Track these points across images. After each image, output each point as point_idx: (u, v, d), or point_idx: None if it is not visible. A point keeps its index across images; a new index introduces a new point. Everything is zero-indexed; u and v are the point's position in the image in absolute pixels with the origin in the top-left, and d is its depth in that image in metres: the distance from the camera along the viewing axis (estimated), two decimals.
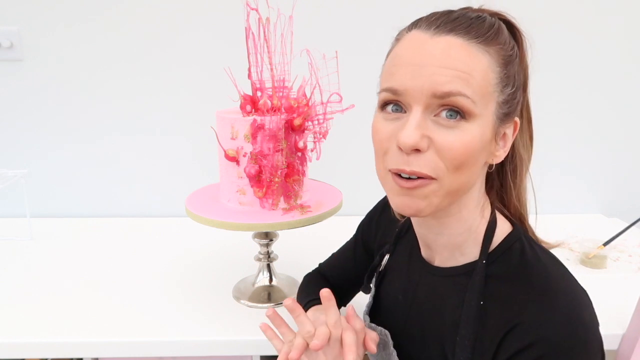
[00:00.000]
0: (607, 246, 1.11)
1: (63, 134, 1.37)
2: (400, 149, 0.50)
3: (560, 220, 1.38)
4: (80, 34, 1.30)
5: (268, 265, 0.98)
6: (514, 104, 0.53)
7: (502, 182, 0.60)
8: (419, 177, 0.50)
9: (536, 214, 0.62)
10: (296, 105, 0.86)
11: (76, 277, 1.05)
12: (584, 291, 0.52)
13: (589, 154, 1.44)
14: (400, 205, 0.53)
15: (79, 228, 1.34)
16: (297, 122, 0.85)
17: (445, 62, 0.48)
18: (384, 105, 0.52)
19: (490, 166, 0.55)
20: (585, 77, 1.37)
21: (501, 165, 0.58)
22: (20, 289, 1.00)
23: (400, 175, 0.51)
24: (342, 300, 0.84)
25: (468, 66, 0.48)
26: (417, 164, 0.49)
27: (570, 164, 1.44)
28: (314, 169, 0.95)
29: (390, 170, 0.52)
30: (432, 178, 0.50)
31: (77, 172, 1.41)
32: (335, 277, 0.84)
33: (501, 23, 0.53)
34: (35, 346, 0.83)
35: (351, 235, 0.87)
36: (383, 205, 0.79)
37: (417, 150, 0.49)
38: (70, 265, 1.11)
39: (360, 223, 0.83)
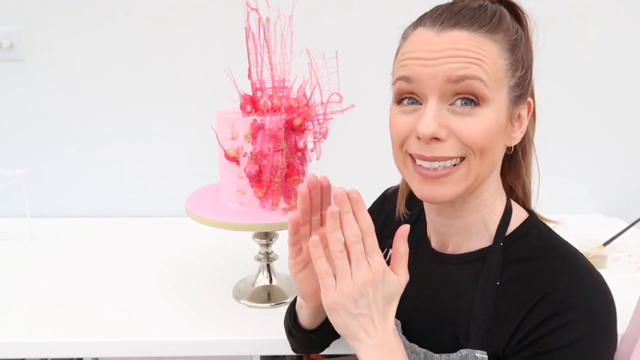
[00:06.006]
0: (607, 246, 1.11)
1: (63, 133, 1.37)
2: (419, 139, 0.51)
3: (560, 220, 1.38)
4: (80, 34, 1.30)
5: (268, 265, 0.98)
6: (525, 85, 0.54)
7: (514, 163, 0.61)
8: (444, 164, 0.51)
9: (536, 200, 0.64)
10: (296, 105, 0.86)
11: (76, 277, 1.05)
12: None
13: (589, 154, 1.44)
14: (424, 193, 0.54)
15: (79, 228, 1.34)
16: (297, 122, 0.84)
17: (456, 53, 0.49)
18: (399, 99, 0.53)
19: (509, 149, 0.56)
20: (584, 77, 1.37)
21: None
22: (20, 289, 1.00)
23: (421, 166, 0.53)
24: None
25: (478, 54, 0.49)
26: (439, 151, 0.51)
27: (570, 163, 1.44)
28: (314, 169, 0.94)
29: (410, 154, 0.53)
30: (461, 158, 0.51)
31: (77, 171, 1.41)
32: None
33: (503, 9, 0.53)
34: (35, 346, 0.83)
35: None
36: (381, 202, 0.79)
37: (437, 140, 0.50)
38: (71, 266, 1.11)
39: None
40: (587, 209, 1.48)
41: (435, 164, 0.52)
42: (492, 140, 0.51)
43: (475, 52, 0.49)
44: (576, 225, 1.35)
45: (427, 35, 0.51)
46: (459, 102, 0.50)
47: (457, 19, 0.50)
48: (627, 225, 1.13)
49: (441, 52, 0.49)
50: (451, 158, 0.51)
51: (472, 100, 0.49)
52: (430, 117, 0.49)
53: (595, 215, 1.47)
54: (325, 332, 0.68)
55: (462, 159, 0.52)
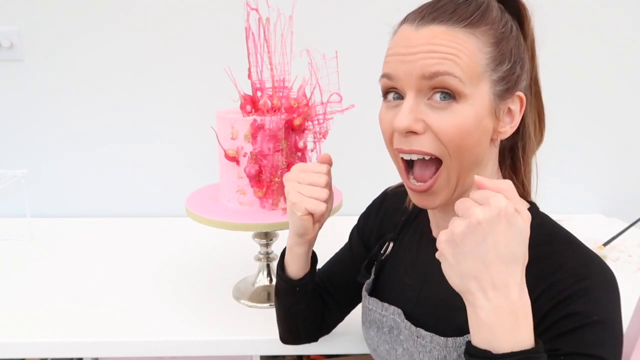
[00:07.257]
0: (607, 246, 1.11)
1: (63, 133, 1.37)
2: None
3: (560, 221, 1.38)
4: (80, 34, 1.30)
5: (268, 265, 0.98)
6: (513, 79, 0.53)
7: (513, 159, 0.61)
8: (426, 180, 0.54)
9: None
10: (296, 105, 0.86)
11: (76, 277, 1.05)
12: None
13: (589, 154, 1.44)
14: (417, 202, 0.57)
15: (79, 228, 1.34)
16: (297, 122, 0.85)
17: (430, 48, 0.50)
18: (385, 93, 0.56)
19: (500, 142, 0.57)
20: (584, 77, 1.37)
21: (514, 141, 0.59)
22: (20, 289, 1.00)
23: (411, 174, 0.55)
24: (347, 309, 0.80)
25: (453, 49, 0.50)
26: (417, 144, 0.52)
27: (570, 164, 1.44)
28: None
29: (395, 149, 0.55)
30: (435, 157, 0.52)
31: (77, 171, 1.41)
32: (337, 288, 0.78)
33: (492, 1, 0.53)
34: (35, 346, 0.84)
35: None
36: (381, 201, 0.79)
37: (414, 133, 0.52)
38: (70, 266, 1.11)
39: (355, 226, 0.81)
40: (587, 209, 1.48)
41: (414, 157, 0.53)
42: (468, 137, 0.51)
43: (450, 47, 0.49)
44: (576, 225, 1.35)
45: (407, 31, 0.52)
46: (437, 96, 0.51)
47: (437, 13, 0.51)
48: (627, 225, 1.13)
49: (417, 47, 0.50)
50: (428, 154, 0.52)
51: (450, 94, 0.50)
52: (406, 111, 0.51)
53: (595, 215, 1.47)
54: (310, 287, 0.71)
55: (440, 163, 0.53)
